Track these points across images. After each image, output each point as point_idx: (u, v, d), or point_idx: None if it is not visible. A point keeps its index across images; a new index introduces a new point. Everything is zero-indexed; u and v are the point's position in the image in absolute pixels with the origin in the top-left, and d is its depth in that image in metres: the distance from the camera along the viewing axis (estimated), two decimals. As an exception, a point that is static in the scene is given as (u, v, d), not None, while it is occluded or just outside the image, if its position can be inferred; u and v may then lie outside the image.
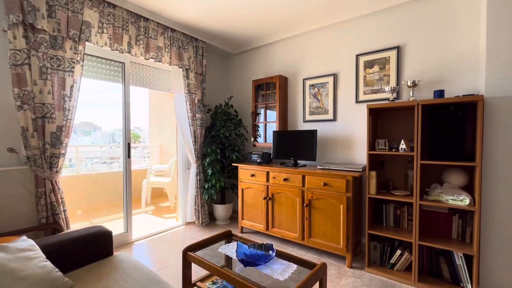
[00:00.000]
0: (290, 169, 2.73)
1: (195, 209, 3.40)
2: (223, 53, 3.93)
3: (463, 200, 1.89)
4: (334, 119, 2.93)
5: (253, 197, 3.06)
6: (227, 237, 1.98)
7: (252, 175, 3.04)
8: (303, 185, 2.62)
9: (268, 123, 3.39)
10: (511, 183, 1.81)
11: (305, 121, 3.17)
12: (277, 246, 2.82)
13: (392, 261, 2.23)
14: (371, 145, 2.33)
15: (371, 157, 2.30)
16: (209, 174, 3.37)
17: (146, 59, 2.81)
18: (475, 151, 1.89)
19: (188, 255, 1.66)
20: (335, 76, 2.91)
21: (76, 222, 3.71)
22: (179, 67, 3.15)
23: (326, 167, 2.57)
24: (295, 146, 2.96)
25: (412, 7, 2.43)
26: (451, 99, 1.91)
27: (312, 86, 3.09)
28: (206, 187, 3.39)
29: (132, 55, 2.66)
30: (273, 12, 2.74)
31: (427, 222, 2.17)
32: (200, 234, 3.16)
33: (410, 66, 2.45)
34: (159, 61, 2.91)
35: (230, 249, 1.74)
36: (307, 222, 2.59)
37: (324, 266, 1.46)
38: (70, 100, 2.22)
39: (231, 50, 3.81)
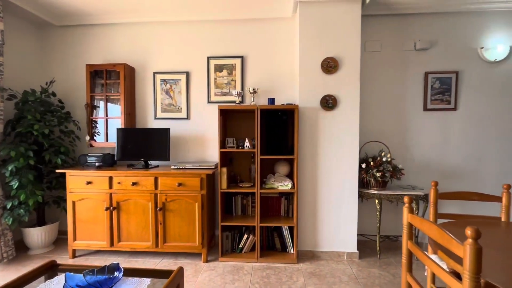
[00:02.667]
0: (140, 171, 2.44)
1: (-13, 241, 2.30)
2: (39, 22, 2.89)
3: (287, 185, 2.44)
4: (188, 117, 2.92)
5: (90, 209, 2.48)
6: (49, 270, 1.48)
7: (89, 183, 2.45)
8: (156, 187, 2.42)
9: (111, 119, 2.85)
10: (313, 170, 2.54)
11: (156, 118, 2.94)
12: (126, 262, 2.45)
13: (240, 245, 2.53)
14: (222, 144, 2.52)
15: (222, 155, 2.48)
16: (14, 187, 2.38)
17: None
18: (294, 147, 2.49)
19: (-30, 318, 1.08)
20: (188, 74, 2.89)
21: None
22: None
23: (181, 167, 2.51)
24: (146, 146, 2.68)
25: (252, 25, 2.83)
26: (278, 106, 2.42)
27: (164, 81, 2.91)
28: (9, 206, 2.38)
29: None
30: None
31: (265, 206, 2.63)
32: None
33: (251, 75, 2.86)
34: None
35: (53, 286, 1.30)
36: (161, 227, 2.42)
37: (180, 270, 1.40)
38: None
39: (51, 20, 2.87)
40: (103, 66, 2.77)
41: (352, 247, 2.53)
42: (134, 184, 2.42)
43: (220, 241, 2.48)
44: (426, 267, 1.61)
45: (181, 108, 2.92)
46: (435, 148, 2.81)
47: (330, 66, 2.47)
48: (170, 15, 2.83)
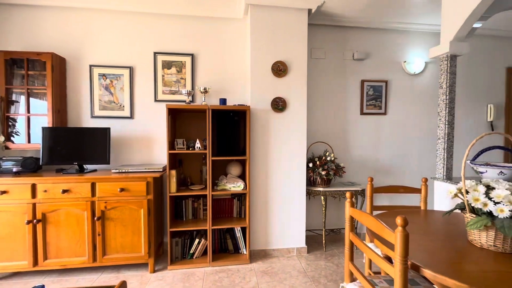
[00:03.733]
0: (73, 177, 2.14)
1: None
2: None
3: (239, 186, 2.43)
4: (132, 116, 2.68)
5: (5, 224, 2.07)
6: None
7: (3, 192, 2.05)
8: (93, 194, 2.16)
9: (34, 116, 2.44)
10: (265, 170, 2.60)
11: (94, 116, 2.63)
12: (55, 282, 2.12)
13: (191, 251, 2.43)
14: (171, 145, 2.38)
15: (171, 156, 2.35)
16: None
17: None
18: (246, 147, 2.50)
19: None
20: (131, 69, 2.66)
21: None
22: None
23: (123, 170, 2.29)
24: (81, 148, 2.37)
25: (203, 23, 2.75)
26: (230, 106, 2.40)
27: (103, 75, 2.62)
28: None
29: None
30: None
31: (217, 209, 2.58)
32: None
33: (202, 74, 2.78)
34: None
35: (-50, 323, 1.04)
36: (99, 238, 2.16)
37: (123, 284, 1.27)
38: None
39: None
40: (24, 54, 2.35)
41: (301, 243, 2.66)
42: (65, 191, 2.11)
43: (169, 248, 2.34)
44: (364, 254, 1.79)
45: (123, 106, 2.66)
46: (369, 148, 3.16)
47: (280, 69, 2.56)
48: (111, 3, 2.56)
